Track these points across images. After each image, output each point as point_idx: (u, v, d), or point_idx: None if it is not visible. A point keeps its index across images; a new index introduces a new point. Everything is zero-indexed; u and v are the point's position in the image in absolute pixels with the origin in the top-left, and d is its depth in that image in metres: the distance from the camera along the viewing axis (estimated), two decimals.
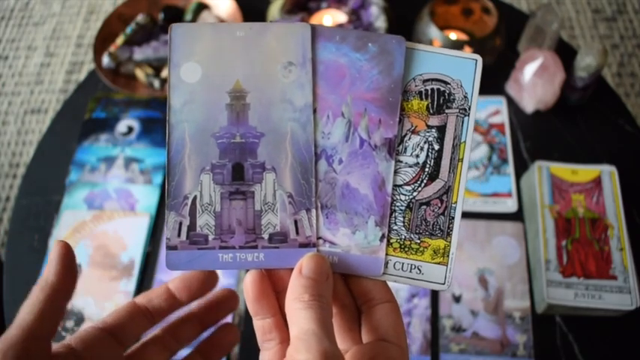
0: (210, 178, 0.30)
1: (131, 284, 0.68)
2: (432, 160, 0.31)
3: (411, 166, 0.31)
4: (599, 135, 0.78)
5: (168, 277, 0.69)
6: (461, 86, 0.31)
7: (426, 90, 0.31)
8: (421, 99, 0.31)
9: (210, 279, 0.33)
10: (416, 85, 0.31)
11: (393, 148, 0.31)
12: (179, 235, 0.30)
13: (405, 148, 0.31)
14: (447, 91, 0.31)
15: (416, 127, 0.31)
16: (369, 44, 0.31)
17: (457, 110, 0.31)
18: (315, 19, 0.85)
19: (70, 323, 0.66)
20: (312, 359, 0.24)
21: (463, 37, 0.84)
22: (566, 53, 0.81)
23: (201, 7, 0.90)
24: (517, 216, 0.72)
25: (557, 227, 0.65)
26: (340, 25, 0.83)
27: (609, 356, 0.63)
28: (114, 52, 0.83)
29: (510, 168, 0.76)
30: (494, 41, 0.77)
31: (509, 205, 0.72)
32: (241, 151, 0.30)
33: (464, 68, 0.31)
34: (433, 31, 0.77)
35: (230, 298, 0.35)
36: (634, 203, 0.71)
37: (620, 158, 0.74)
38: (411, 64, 0.31)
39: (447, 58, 0.31)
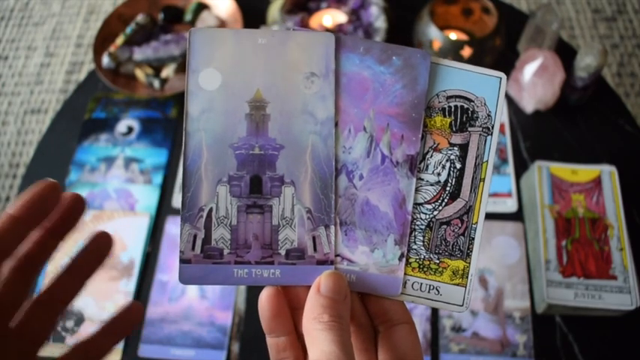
0: (227, 190, 0.29)
1: (131, 284, 0.68)
2: (454, 179, 0.30)
3: (432, 185, 0.30)
4: (599, 135, 0.78)
5: (169, 277, 0.69)
6: (485, 104, 0.30)
7: (450, 107, 0.30)
8: (444, 116, 0.30)
9: (53, 192, 0.28)
10: (439, 102, 0.30)
11: (415, 165, 0.30)
12: (193, 248, 0.29)
13: (427, 166, 0.30)
14: (471, 109, 0.30)
15: (438, 144, 0.30)
16: (393, 57, 0.30)
17: (480, 129, 0.30)
18: (315, 19, 0.85)
19: (70, 323, 0.66)
20: None
21: (463, 37, 0.84)
22: (566, 53, 0.81)
23: (201, 7, 0.90)
24: (517, 216, 0.72)
25: (557, 227, 0.65)
26: (339, 26, 0.83)
27: (609, 356, 0.63)
28: (114, 52, 0.83)
29: (510, 168, 0.76)
30: (494, 41, 0.77)
31: (509, 205, 0.72)
32: (260, 163, 0.29)
33: (488, 86, 0.30)
34: (433, 31, 0.77)
35: (77, 202, 0.30)
36: (634, 203, 0.71)
37: (620, 158, 0.74)
38: (435, 80, 0.30)
39: (471, 75, 0.30)
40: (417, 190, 0.30)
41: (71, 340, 0.65)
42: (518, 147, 0.77)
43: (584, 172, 0.68)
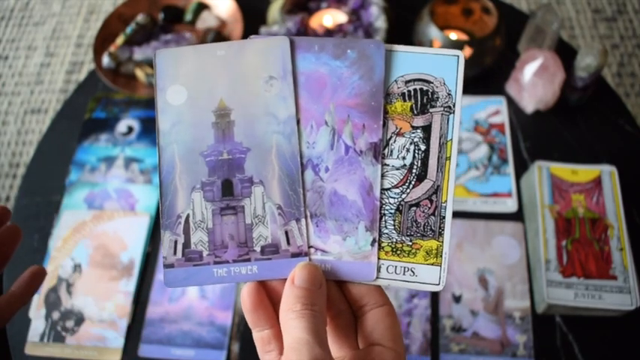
0: (201, 196, 0.31)
1: (131, 284, 0.68)
2: (419, 161, 0.31)
3: (398, 169, 0.31)
4: (599, 135, 0.78)
5: None
6: (444, 84, 0.31)
7: (409, 91, 0.31)
8: (404, 100, 0.31)
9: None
10: (398, 87, 0.31)
11: (379, 152, 0.31)
12: (175, 253, 0.31)
13: (391, 151, 0.31)
14: (430, 90, 0.31)
15: (400, 129, 0.31)
16: (347, 51, 0.31)
17: (442, 109, 0.31)
18: (315, 19, 0.85)
19: (70, 323, 0.66)
20: None
21: (463, 37, 0.84)
22: (566, 53, 0.81)
23: (201, 7, 0.90)
24: (517, 216, 0.72)
25: (557, 227, 0.65)
26: (339, 26, 0.83)
27: (609, 356, 0.63)
28: (114, 52, 0.83)
29: (510, 168, 0.76)
30: (494, 41, 0.77)
31: (509, 205, 0.72)
32: (229, 167, 0.31)
33: (446, 65, 0.31)
34: (433, 31, 0.77)
35: None
36: (634, 203, 0.71)
37: (620, 158, 0.74)
38: (392, 66, 0.31)
39: (427, 57, 0.31)
40: (383, 175, 0.31)
41: (71, 340, 0.65)
42: (518, 147, 0.78)
43: (584, 172, 0.68)
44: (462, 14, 0.84)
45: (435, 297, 0.67)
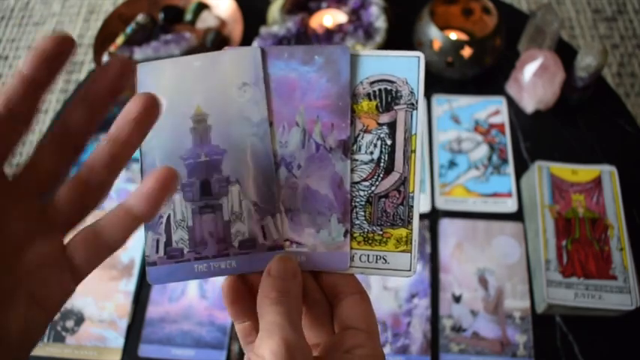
0: (181, 197, 0.33)
1: (131, 284, 0.68)
2: (386, 155, 0.32)
3: (366, 163, 0.33)
4: (599, 135, 0.78)
5: None
6: (406, 83, 0.33)
7: (374, 91, 0.33)
8: (370, 100, 0.33)
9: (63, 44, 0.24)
10: (364, 88, 0.33)
11: (348, 148, 0.32)
12: (157, 251, 0.33)
13: (360, 147, 0.33)
14: (394, 90, 0.33)
15: (367, 126, 0.33)
16: (315, 57, 0.33)
17: (405, 105, 0.33)
18: (315, 19, 0.85)
19: (70, 323, 0.66)
20: (275, 346, 0.25)
21: (463, 37, 0.84)
22: (566, 53, 0.81)
23: (201, 7, 0.90)
24: (517, 216, 0.72)
25: (557, 227, 0.65)
26: (339, 26, 0.83)
27: (609, 356, 0.63)
28: (114, 52, 0.83)
29: (510, 168, 0.76)
30: (494, 41, 0.77)
31: (509, 205, 0.72)
32: (207, 169, 0.32)
33: (408, 66, 0.33)
34: (433, 31, 0.77)
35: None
36: (634, 203, 0.71)
37: (620, 158, 0.74)
38: (358, 69, 0.33)
39: (391, 59, 0.33)
40: (353, 170, 0.33)
41: (71, 340, 0.65)
42: (518, 147, 0.77)
43: (584, 172, 0.68)
44: (462, 14, 0.84)
45: (435, 297, 0.67)
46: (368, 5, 0.84)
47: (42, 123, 1.45)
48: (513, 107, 0.81)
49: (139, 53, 0.84)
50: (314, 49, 0.33)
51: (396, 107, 0.33)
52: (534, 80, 0.76)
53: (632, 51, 1.51)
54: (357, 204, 0.32)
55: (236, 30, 0.86)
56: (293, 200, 0.32)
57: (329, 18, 0.85)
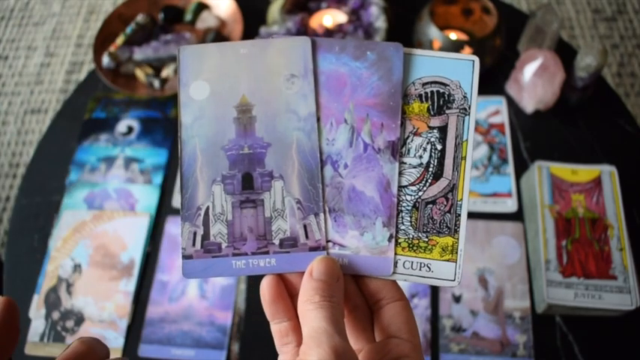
0: (222, 189, 0.32)
1: (131, 284, 0.68)
2: (436, 160, 0.32)
3: (415, 167, 0.32)
4: (599, 135, 0.78)
5: (168, 277, 0.69)
6: (460, 87, 0.32)
7: (426, 93, 0.32)
8: (421, 101, 0.32)
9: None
10: (416, 89, 0.32)
11: (397, 150, 0.31)
12: (194, 244, 0.31)
13: (409, 150, 0.32)
14: (447, 93, 0.32)
15: (418, 128, 0.32)
16: (367, 52, 0.32)
17: (457, 110, 0.32)
18: (315, 19, 0.85)
19: (70, 323, 0.66)
20: (324, 354, 0.25)
21: (463, 37, 0.84)
22: (566, 53, 0.81)
23: (201, 7, 0.90)
24: (517, 216, 0.72)
25: (557, 227, 0.65)
26: (339, 26, 0.83)
27: (609, 356, 0.63)
28: (114, 52, 0.83)
29: (510, 168, 0.76)
30: (494, 41, 0.77)
31: (509, 205, 0.72)
32: (250, 162, 0.32)
33: (462, 69, 0.32)
34: (433, 31, 0.77)
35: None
36: (634, 203, 0.71)
37: (620, 158, 0.74)
38: (410, 69, 0.32)
39: (444, 61, 0.32)
40: (400, 173, 0.32)
41: (71, 340, 0.65)
42: (518, 147, 0.77)
43: (584, 172, 0.68)
44: (462, 14, 0.84)
45: (435, 297, 0.67)
46: (368, 5, 0.84)
47: (42, 123, 1.45)
48: (513, 107, 0.81)
49: (138, 53, 0.84)
50: (366, 45, 0.32)
51: (448, 111, 0.32)
52: (534, 80, 0.76)
53: (632, 51, 1.51)
54: (403, 208, 0.31)
55: (236, 30, 0.86)
56: (337, 200, 0.31)
57: (329, 18, 0.85)
